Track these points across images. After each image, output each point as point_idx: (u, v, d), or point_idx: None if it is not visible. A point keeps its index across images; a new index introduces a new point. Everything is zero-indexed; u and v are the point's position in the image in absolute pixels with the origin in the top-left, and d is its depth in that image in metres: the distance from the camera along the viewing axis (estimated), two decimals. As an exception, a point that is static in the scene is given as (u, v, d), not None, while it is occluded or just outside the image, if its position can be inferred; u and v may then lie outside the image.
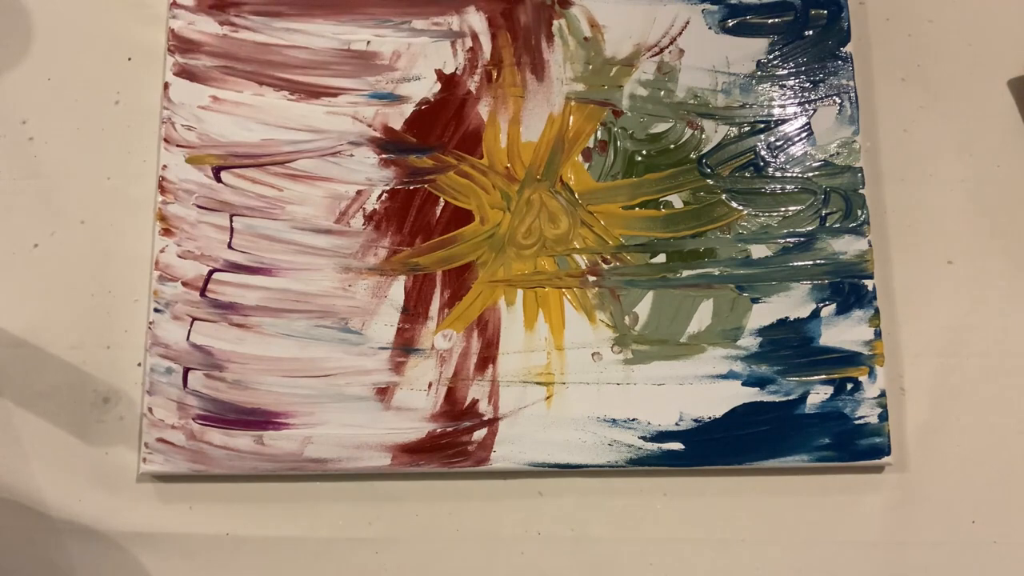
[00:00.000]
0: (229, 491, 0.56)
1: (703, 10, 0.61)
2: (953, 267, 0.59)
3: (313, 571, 0.56)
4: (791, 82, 0.60)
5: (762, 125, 0.59)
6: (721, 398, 0.56)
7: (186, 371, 0.56)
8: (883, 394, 0.56)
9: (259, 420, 0.55)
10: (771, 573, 0.56)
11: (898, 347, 0.58)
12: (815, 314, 0.57)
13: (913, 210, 0.60)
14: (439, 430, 0.55)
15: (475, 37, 0.60)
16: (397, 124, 0.59)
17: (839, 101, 0.59)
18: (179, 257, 0.57)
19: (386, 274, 0.57)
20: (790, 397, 0.56)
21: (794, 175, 0.59)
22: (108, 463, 0.56)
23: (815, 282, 0.57)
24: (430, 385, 0.56)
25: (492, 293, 0.57)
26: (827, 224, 0.58)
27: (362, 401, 0.56)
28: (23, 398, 0.57)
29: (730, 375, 0.56)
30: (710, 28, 0.60)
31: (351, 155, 0.59)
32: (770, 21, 0.61)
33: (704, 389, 0.56)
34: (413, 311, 0.57)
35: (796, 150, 0.59)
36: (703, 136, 0.59)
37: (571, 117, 0.59)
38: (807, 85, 0.60)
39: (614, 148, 0.59)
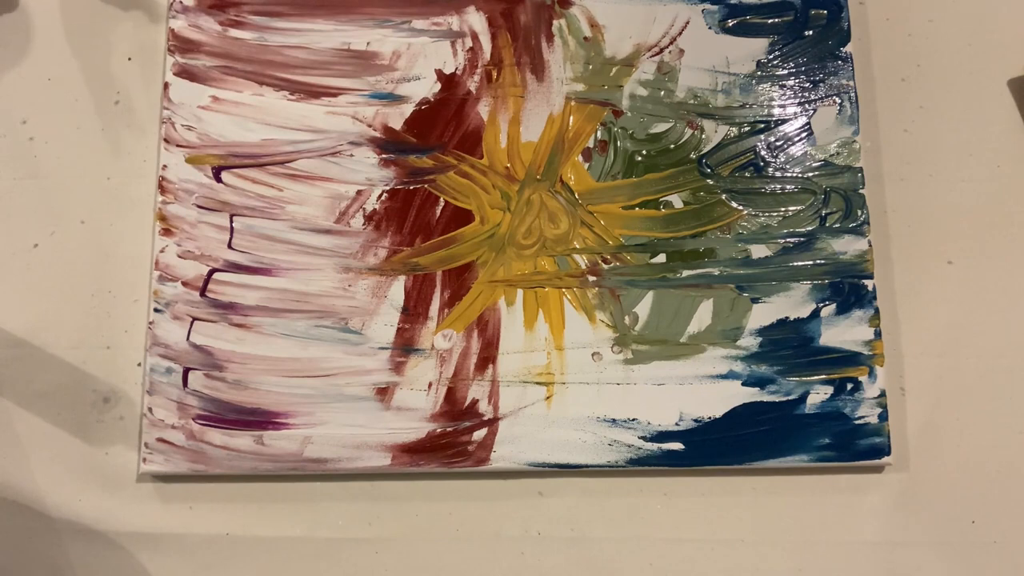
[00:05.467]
0: (229, 491, 0.56)
1: (703, 10, 0.61)
2: (953, 267, 0.59)
3: (313, 571, 0.56)
4: (791, 82, 0.60)
5: (762, 125, 0.59)
6: (721, 398, 0.56)
7: (186, 371, 0.56)
8: (883, 394, 0.56)
9: (259, 420, 0.55)
10: (771, 573, 0.56)
11: (898, 347, 0.58)
12: (815, 314, 0.57)
13: (913, 210, 0.60)
14: (439, 430, 0.55)
15: (475, 37, 0.60)
16: (397, 124, 0.59)
17: (839, 101, 0.59)
18: (179, 257, 0.57)
19: (386, 274, 0.57)
20: (790, 397, 0.56)
21: (794, 175, 0.59)
22: (108, 463, 0.56)
23: (815, 282, 0.57)
24: (430, 385, 0.56)
25: (492, 293, 0.57)
26: (827, 224, 0.58)
27: (362, 401, 0.56)
28: (23, 398, 0.57)
29: (730, 375, 0.56)
30: (710, 28, 0.60)
31: (351, 155, 0.59)
32: (770, 21, 0.61)
33: (704, 389, 0.56)
34: (413, 311, 0.57)
35: (796, 150, 0.59)
36: (703, 136, 0.59)
37: (571, 117, 0.59)
38: (807, 85, 0.60)
39: (614, 148, 0.59)
